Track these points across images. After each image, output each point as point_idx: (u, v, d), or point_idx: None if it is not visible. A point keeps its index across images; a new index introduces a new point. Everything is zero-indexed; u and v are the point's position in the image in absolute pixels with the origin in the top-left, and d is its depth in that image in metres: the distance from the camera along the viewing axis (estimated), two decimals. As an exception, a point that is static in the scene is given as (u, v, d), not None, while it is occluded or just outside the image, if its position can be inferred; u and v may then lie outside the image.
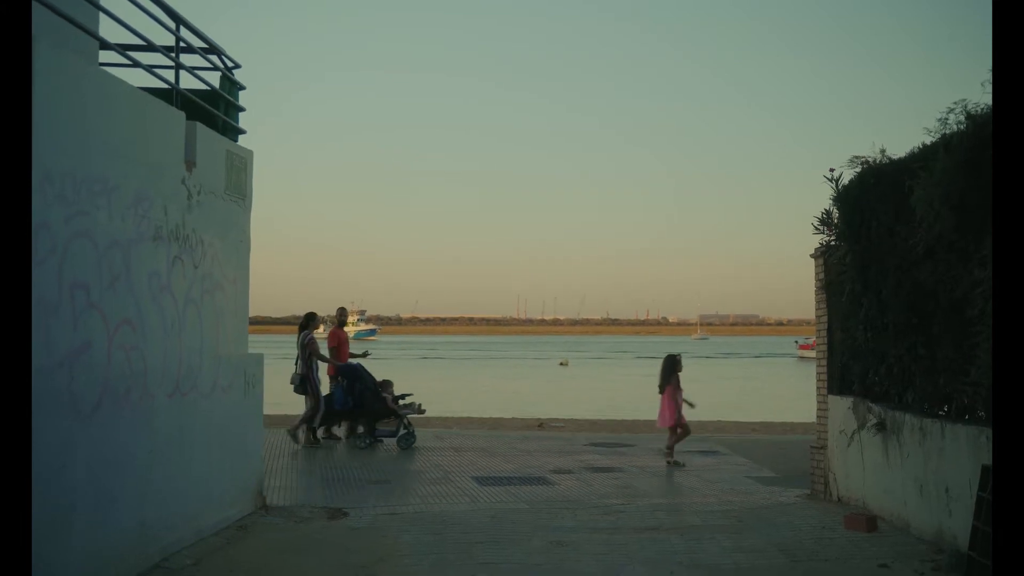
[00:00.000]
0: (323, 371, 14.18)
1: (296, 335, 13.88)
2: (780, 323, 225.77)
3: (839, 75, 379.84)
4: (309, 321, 14.08)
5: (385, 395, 13.69)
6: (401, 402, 13.79)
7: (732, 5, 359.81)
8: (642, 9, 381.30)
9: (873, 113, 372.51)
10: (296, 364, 13.74)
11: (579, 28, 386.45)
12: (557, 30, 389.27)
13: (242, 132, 8.73)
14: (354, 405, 13.65)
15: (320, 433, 13.90)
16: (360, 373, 13.82)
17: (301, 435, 13.34)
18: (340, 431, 14.43)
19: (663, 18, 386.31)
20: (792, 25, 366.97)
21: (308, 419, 13.46)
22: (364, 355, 15.25)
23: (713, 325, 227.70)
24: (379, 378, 14.00)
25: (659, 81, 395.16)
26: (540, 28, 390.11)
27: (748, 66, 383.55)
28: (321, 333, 14.75)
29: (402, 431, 13.50)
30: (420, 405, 14.04)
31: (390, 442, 13.61)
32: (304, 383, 13.53)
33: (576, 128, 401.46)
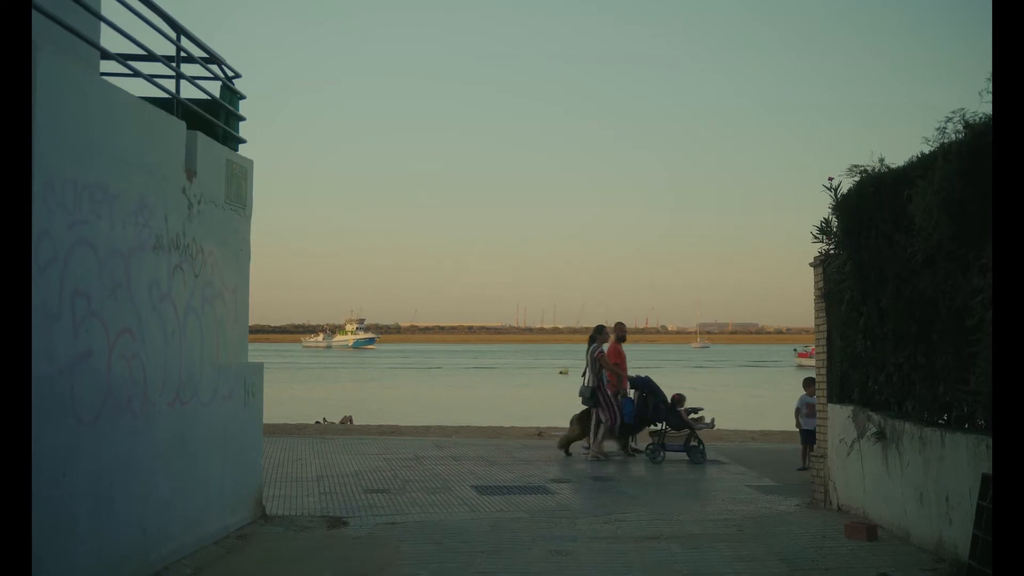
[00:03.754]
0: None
1: (586, 346, 13.99)
2: (779, 331, 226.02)
3: (842, 79, 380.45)
4: (598, 333, 14.04)
5: (679, 409, 13.63)
6: (692, 416, 13.65)
7: (733, 6, 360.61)
8: (642, 9, 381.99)
9: (876, 119, 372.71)
10: (584, 376, 13.79)
11: (578, 29, 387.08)
12: (555, 31, 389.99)
13: (242, 141, 8.76)
14: (649, 418, 13.62)
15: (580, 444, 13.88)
16: (654, 387, 13.78)
17: (605, 446, 13.52)
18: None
19: (665, 20, 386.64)
20: (795, 27, 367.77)
21: (609, 431, 13.52)
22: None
23: (712, 333, 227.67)
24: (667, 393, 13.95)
25: (659, 84, 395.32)
26: (539, 30, 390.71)
27: (750, 68, 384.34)
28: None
29: (693, 444, 13.37)
30: (713, 420, 13.93)
31: (396, 451, 13.57)
32: (595, 395, 13.54)
33: (575, 133, 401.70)
